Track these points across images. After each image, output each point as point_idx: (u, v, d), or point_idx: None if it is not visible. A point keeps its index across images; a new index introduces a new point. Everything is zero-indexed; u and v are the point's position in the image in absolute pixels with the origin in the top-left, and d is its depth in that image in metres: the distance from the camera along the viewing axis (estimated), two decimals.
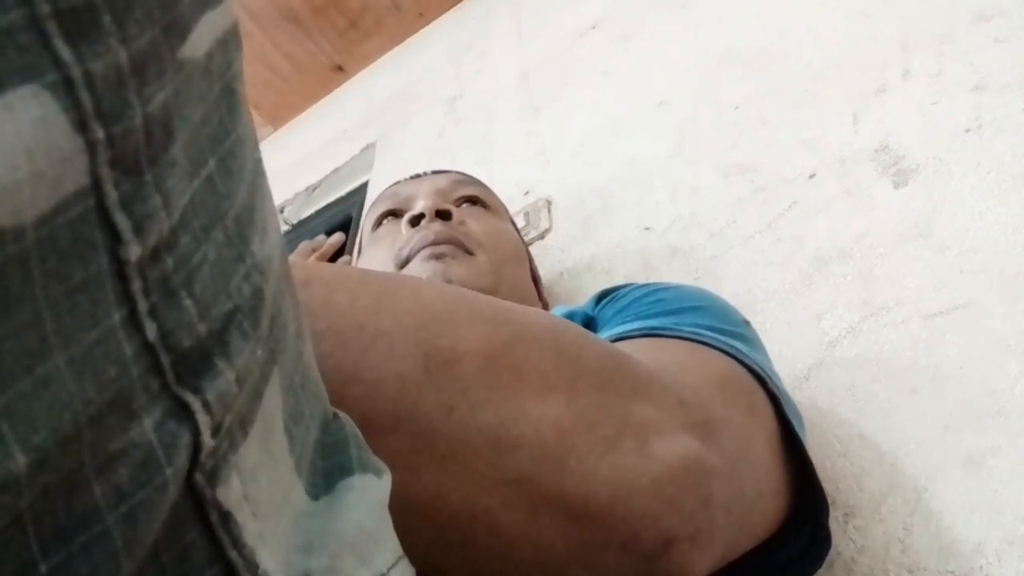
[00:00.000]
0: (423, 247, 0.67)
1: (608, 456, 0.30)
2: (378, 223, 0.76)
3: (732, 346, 0.41)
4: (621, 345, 0.40)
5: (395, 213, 0.74)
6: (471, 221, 0.72)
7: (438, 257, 0.65)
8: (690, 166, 0.83)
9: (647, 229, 0.81)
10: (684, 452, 0.31)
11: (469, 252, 0.69)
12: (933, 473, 0.49)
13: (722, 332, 0.43)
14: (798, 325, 0.62)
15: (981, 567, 0.44)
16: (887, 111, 0.71)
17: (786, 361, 0.59)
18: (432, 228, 0.68)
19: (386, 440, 0.27)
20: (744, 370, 0.41)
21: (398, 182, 0.80)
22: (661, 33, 1.04)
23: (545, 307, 0.74)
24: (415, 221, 0.70)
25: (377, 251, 0.72)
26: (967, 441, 0.49)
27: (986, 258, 0.56)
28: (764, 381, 0.41)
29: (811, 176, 0.71)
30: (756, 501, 0.38)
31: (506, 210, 0.80)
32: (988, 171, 0.60)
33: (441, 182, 0.76)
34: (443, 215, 0.70)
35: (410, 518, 0.27)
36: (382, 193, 0.80)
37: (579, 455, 0.29)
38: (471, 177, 0.79)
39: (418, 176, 0.79)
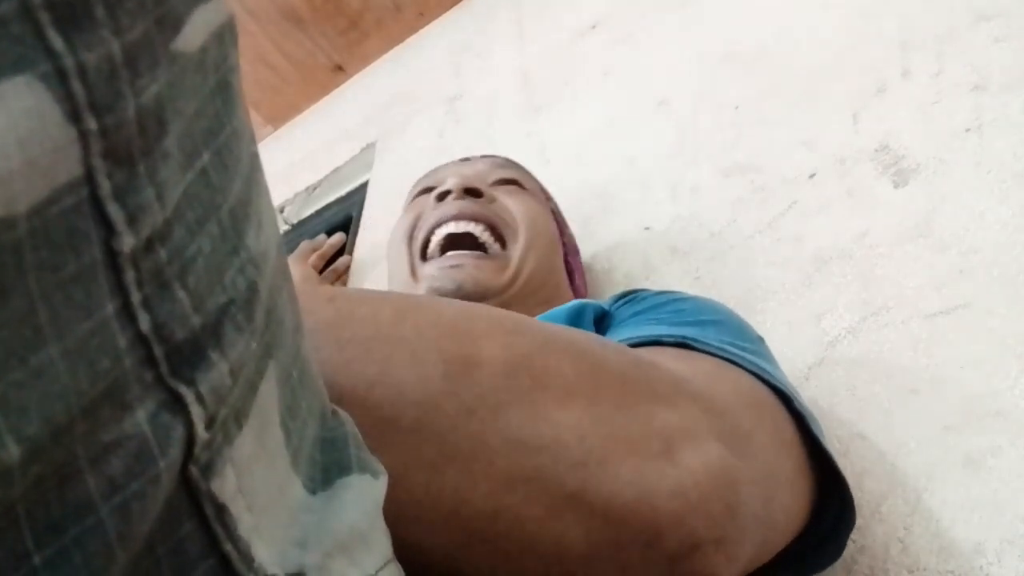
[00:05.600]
0: (444, 221, 0.68)
1: (631, 459, 0.30)
2: (412, 200, 0.77)
3: (757, 365, 0.41)
4: (652, 351, 0.40)
5: (429, 190, 0.75)
6: (505, 199, 0.71)
7: (452, 267, 0.65)
8: (690, 166, 0.82)
9: (647, 229, 0.81)
10: (712, 459, 0.31)
11: (495, 230, 0.68)
12: (933, 473, 0.49)
13: (743, 349, 0.43)
14: (798, 325, 0.62)
15: (981, 567, 0.44)
16: (887, 111, 0.70)
17: (786, 361, 0.59)
18: (457, 204, 0.68)
19: (408, 441, 0.28)
20: (768, 389, 0.41)
21: (445, 164, 0.80)
22: (661, 33, 1.04)
23: (578, 296, 0.73)
24: (442, 196, 0.70)
25: (398, 227, 0.73)
26: (967, 441, 0.49)
27: (986, 258, 0.56)
28: (789, 400, 0.41)
29: (811, 176, 0.71)
30: (779, 513, 0.38)
31: (549, 198, 0.79)
32: (988, 171, 0.60)
33: (481, 165, 0.76)
34: (472, 192, 0.70)
35: (434, 514, 0.28)
36: (426, 173, 0.80)
37: (600, 457, 0.29)
38: (515, 162, 0.79)
39: (466, 159, 0.79)
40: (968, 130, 0.64)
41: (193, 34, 0.15)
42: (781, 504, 0.38)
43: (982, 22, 0.70)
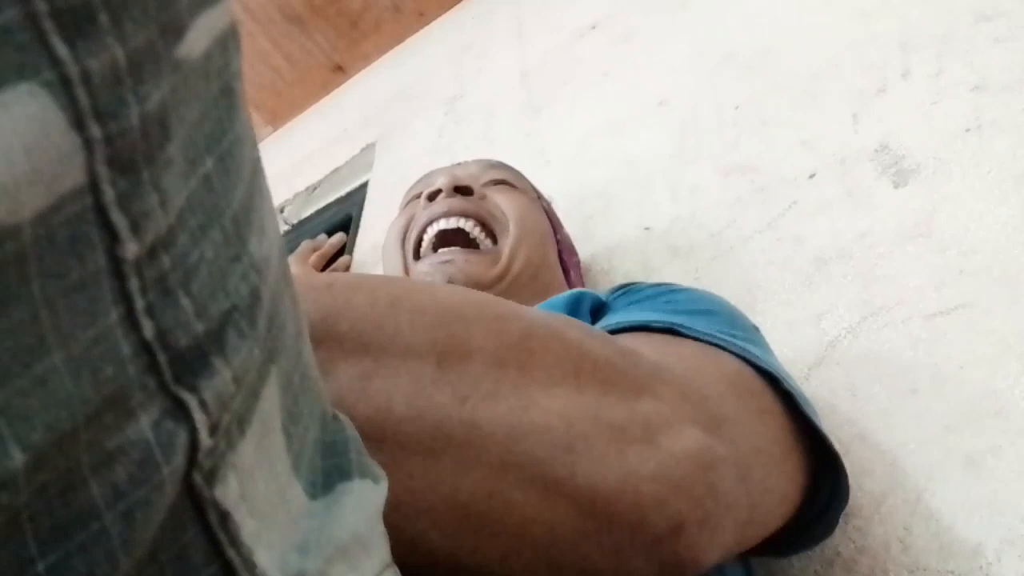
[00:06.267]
0: (435, 218, 0.69)
1: (614, 444, 0.31)
2: (404, 206, 0.78)
3: (744, 349, 0.42)
4: (637, 338, 0.41)
5: (421, 195, 0.76)
6: (495, 196, 0.72)
7: (443, 262, 0.66)
8: (690, 166, 0.83)
9: (647, 229, 0.81)
10: (690, 442, 0.32)
11: (486, 226, 0.69)
12: (933, 473, 0.49)
13: (733, 336, 0.44)
14: (798, 325, 0.62)
15: (981, 567, 0.44)
16: (887, 111, 0.71)
17: (786, 361, 0.59)
18: (447, 202, 0.70)
19: (405, 429, 0.29)
20: (754, 372, 0.41)
21: (437, 168, 0.82)
22: (661, 33, 1.04)
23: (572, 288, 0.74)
24: (433, 196, 0.71)
25: (391, 229, 0.75)
26: (967, 441, 0.49)
27: (986, 258, 0.56)
28: (777, 381, 0.41)
29: (811, 176, 0.71)
30: (765, 495, 0.38)
31: (539, 196, 0.80)
32: (988, 171, 0.60)
33: (473, 167, 0.78)
34: (462, 190, 0.71)
35: (431, 500, 0.29)
36: (418, 179, 0.82)
37: (586, 442, 0.30)
38: (505, 164, 0.81)
39: (458, 164, 0.81)
40: (968, 130, 0.64)
41: (196, 40, 0.15)
42: (768, 484, 0.38)
43: (982, 22, 0.70)
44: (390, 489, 0.22)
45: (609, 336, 0.37)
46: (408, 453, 0.28)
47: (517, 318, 0.33)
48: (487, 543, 0.30)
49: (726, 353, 0.41)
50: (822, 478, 0.43)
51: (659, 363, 0.36)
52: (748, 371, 0.41)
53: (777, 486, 0.39)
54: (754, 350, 0.43)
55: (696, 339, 0.41)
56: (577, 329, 0.35)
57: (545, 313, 0.36)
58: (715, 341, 0.41)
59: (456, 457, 0.29)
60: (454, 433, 0.29)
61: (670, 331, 0.42)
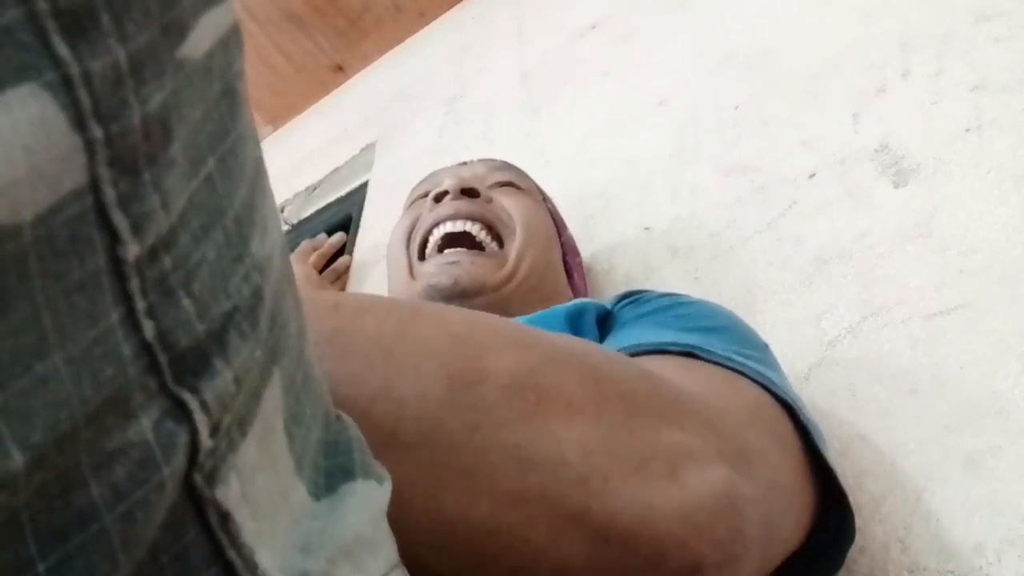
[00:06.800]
0: (442, 220, 0.68)
1: (634, 479, 0.30)
2: (410, 204, 0.77)
3: (763, 375, 0.41)
4: (658, 362, 0.40)
5: (427, 194, 0.75)
6: (502, 199, 0.72)
7: (449, 263, 0.65)
8: (690, 166, 0.82)
9: (647, 229, 0.81)
10: (717, 481, 0.31)
11: (493, 229, 0.69)
12: (933, 473, 0.49)
13: (747, 357, 0.43)
14: (798, 325, 0.62)
15: (981, 567, 0.44)
16: (887, 111, 0.70)
17: (786, 361, 0.59)
18: (454, 204, 0.69)
19: (412, 455, 0.27)
20: (773, 400, 0.40)
21: (443, 168, 0.81)
22: (661, 33, 1.04)
23: (577, 295, 0.73)
24: (439, 198, 0.70)
25: (396, 229, 0.74)
26: (967, 441, 0.49)
27: (986, 258, 0.56)
28: (794, 412, 0.41)
29: (811, 176, 0.71)
30: (781, 530, 0.37)
31: (546, 199, 0.79)
32: (988, 171, 0.60)
33: (479, 168, 0.77)
34: (469, 193, 0.70)
35: (435, 531, 0.28)
36: (423, 178, 0.81)
37: (604, 476, 0.29)
38: (511, 165, 0.80)
39: (463, 163, 0.80)
40: (968, 130, 0.64)
41: (199, 40, 0.15)
42: (785, 519, 0.37)
43: (982, 22, 0.70)
44: (394, 518, 0.22)
45: (631, 361, 0.36)
46: (414, 482, 0.27)
47: (535, 344, 0.32)
48: (493, 574, 0.29)
49: (746, 379, 0.40)
50: (829, 512, 0.42)
51: (683, 390, 0.35)
52: (768, 399, 0.40)
53: (791, 521, 0.38)
54: (770, 375, 0.42)
55: (716, 363, 0.40)
56: (599, 354, 0.34)
57: (566, 337, 0.35)
58: (734, 366, 0.40)
59: (463, 488, 0.28)
60: (462, 463, 0.28)
61: (688, 354, 0.41)
